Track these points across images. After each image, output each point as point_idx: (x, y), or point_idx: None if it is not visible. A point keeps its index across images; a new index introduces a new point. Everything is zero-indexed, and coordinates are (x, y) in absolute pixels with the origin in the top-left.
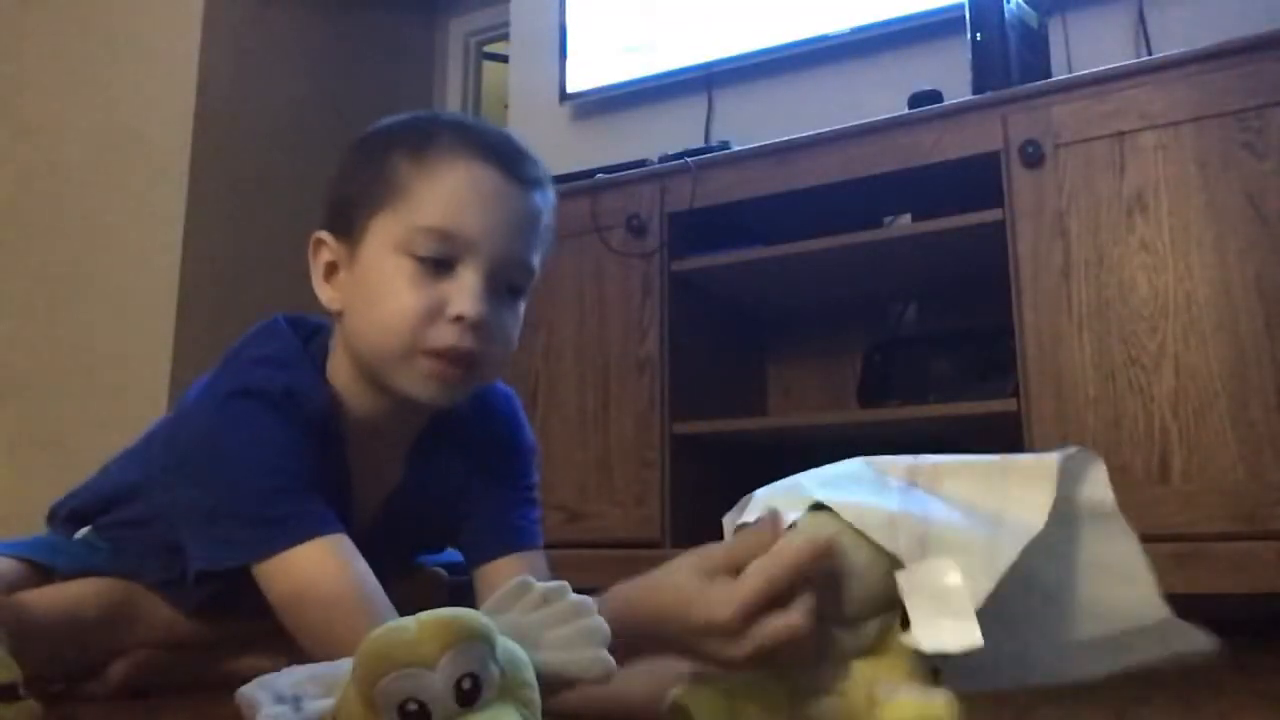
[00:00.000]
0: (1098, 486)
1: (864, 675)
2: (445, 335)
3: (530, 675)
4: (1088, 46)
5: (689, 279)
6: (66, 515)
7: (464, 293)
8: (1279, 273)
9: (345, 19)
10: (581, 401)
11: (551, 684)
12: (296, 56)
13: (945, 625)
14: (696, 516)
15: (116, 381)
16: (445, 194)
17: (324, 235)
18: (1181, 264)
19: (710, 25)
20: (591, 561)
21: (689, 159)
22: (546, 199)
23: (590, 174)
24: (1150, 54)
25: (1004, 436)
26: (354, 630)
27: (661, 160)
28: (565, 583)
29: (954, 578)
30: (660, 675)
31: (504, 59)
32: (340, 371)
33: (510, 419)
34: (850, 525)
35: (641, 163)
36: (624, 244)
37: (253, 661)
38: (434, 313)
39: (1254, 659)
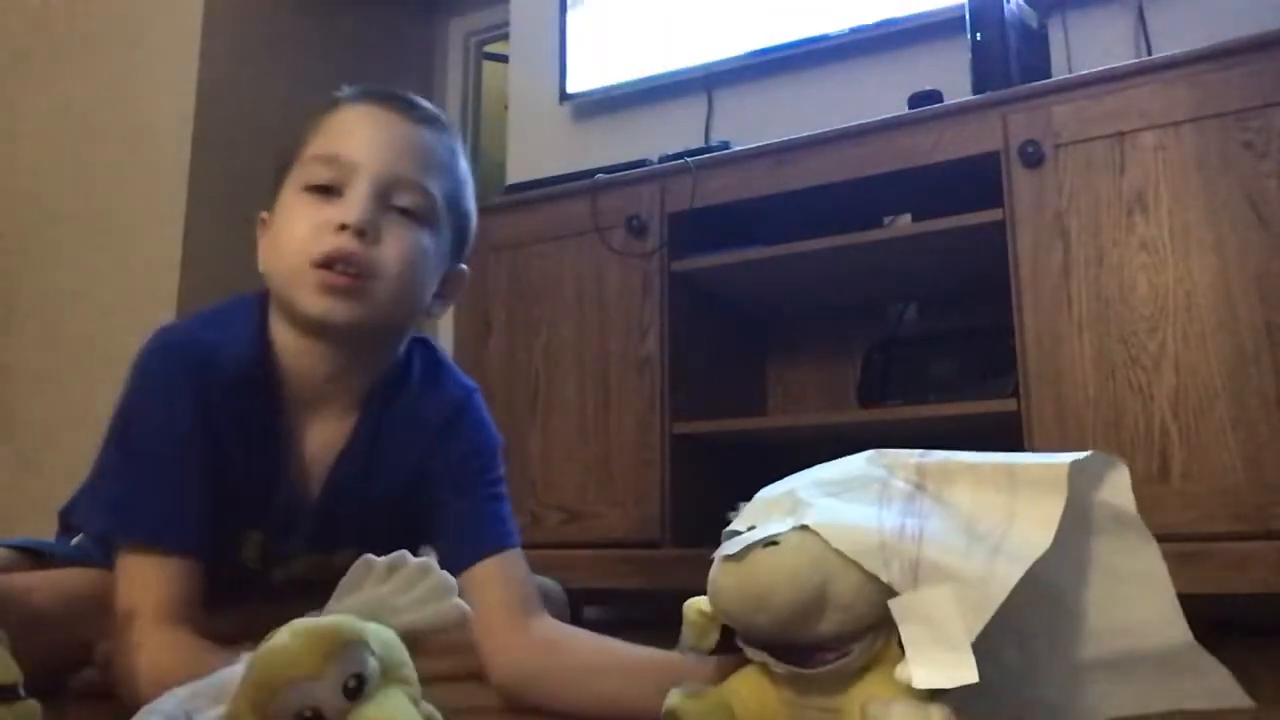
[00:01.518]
0: (1118, 492)
1: (859, 691)
2: (330, 242)
3: (404, 654)
4: (1088, 46)
5: (689, 279)
6: (69, 524)
7: (347, 204)
8: (1279, 273)
9: (345, 19)
10: (581, 401)
11: (418, 643)
12: (296, 56)
13: (939, 659)
14: (696, 516)
15: (117, 382)
16: (331, 128)
17: (264, 214)
18: (1181, 264)
19: (710, 25)
20: (591, 561)
21: (689, 159)
22: (442, 139)
23: (590, 174)
24: (1150, 54)
25: (1004, 436)
26: (147, 653)
27: (661, 160)
28: (404, 551)
29: (948, 610)
30: (659, 680)
31: (504, 59)
32: (276, 328)
33: (470, 412)
34: (836, 550)
35: (641, 163)
36: (624, 244)
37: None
38: (322, 228)
39: (1254, 659)
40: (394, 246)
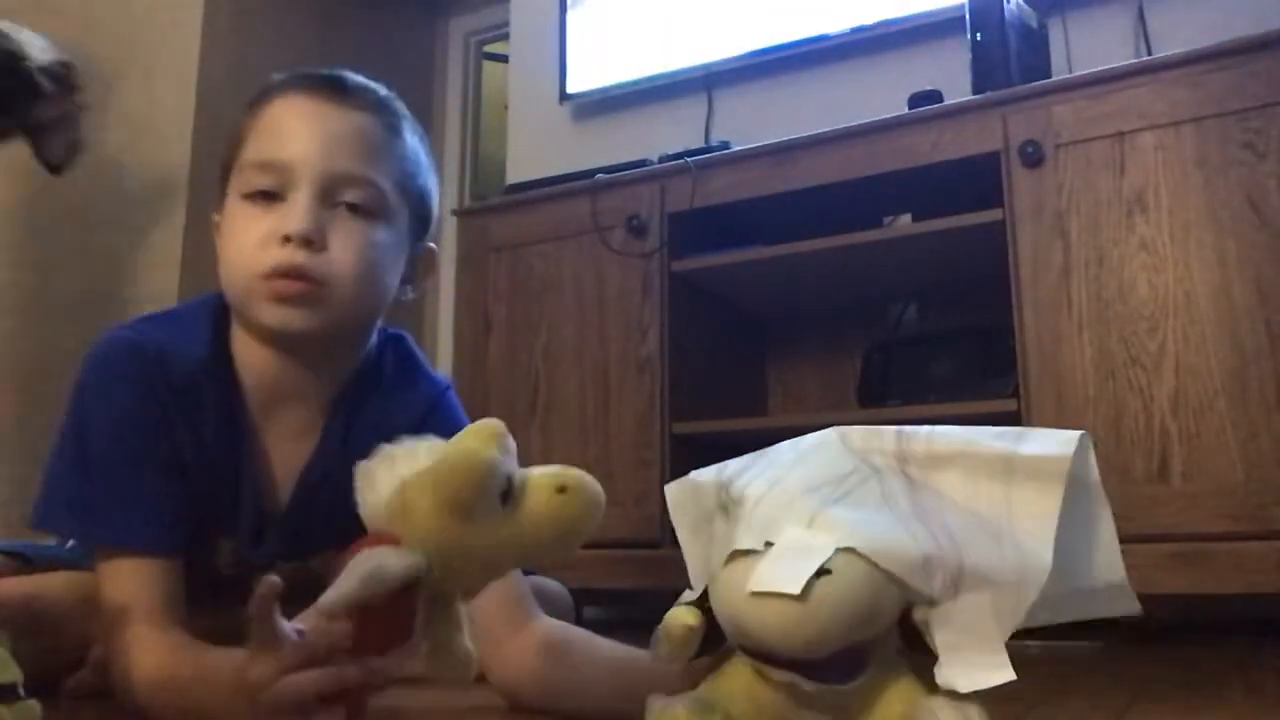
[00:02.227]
0: (1088, 468)
1: (889, 696)
2: (276, 255)
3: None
4: (1088, 46)
5: (689, 279)
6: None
7: (289, 212)
8: (1279, 273)
9: (345, 19)
10: (581, 401)
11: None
12: (296, 57)
13: (978, 661)
14: None
15: None
16: (264, 128)
17: (216, 216)
18: (1181, 264)
19: (710, 25)
20: (591, 561)
21: (689, 159)
22: (383, 120)
23: (590, 174)
24: (1150, 54)
25: None
26: (141, 655)
27: (661, 160)
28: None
29: (980, 613)
30: (655, 682)
31: (504, 59)
32: (236, 334)
33: (441, 411)
34: (885, 570)
35: (641, 163)
36: (624, 244)
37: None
38: (267, 240)
39: (1254, 659)
40: (345, 250)
